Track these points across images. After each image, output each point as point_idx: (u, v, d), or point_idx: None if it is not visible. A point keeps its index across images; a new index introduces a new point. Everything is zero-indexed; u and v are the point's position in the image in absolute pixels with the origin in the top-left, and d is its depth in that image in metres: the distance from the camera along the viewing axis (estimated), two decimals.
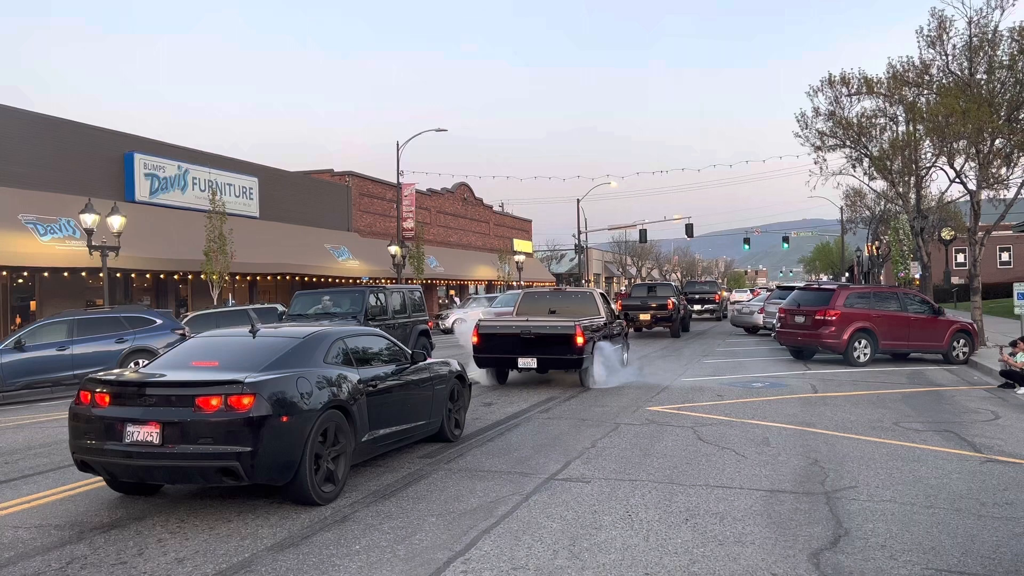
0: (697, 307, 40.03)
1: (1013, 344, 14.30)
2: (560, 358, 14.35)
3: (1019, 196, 22.11)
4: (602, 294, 17.73)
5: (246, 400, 6.47)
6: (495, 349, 14.75)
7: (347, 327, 9.08)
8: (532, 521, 6.39)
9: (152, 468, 6.57)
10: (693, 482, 7.59)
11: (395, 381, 8.54)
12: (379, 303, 19.15)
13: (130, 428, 6.56)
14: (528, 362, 14.43)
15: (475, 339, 14.87)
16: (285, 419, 6.65)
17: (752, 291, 51.51)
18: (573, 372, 14.94)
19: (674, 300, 29.81)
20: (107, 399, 6.81)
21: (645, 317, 29.52)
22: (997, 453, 8.78)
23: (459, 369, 10.21)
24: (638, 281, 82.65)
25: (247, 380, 6.58)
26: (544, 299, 17.34)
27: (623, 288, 77.64)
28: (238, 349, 7.72)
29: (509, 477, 7.91)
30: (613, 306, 19.02)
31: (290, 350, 7.49)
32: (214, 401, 6.47)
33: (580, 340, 14.06)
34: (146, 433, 6.50)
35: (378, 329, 9.86)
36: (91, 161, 26.97)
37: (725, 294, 53.23)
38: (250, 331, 8.09)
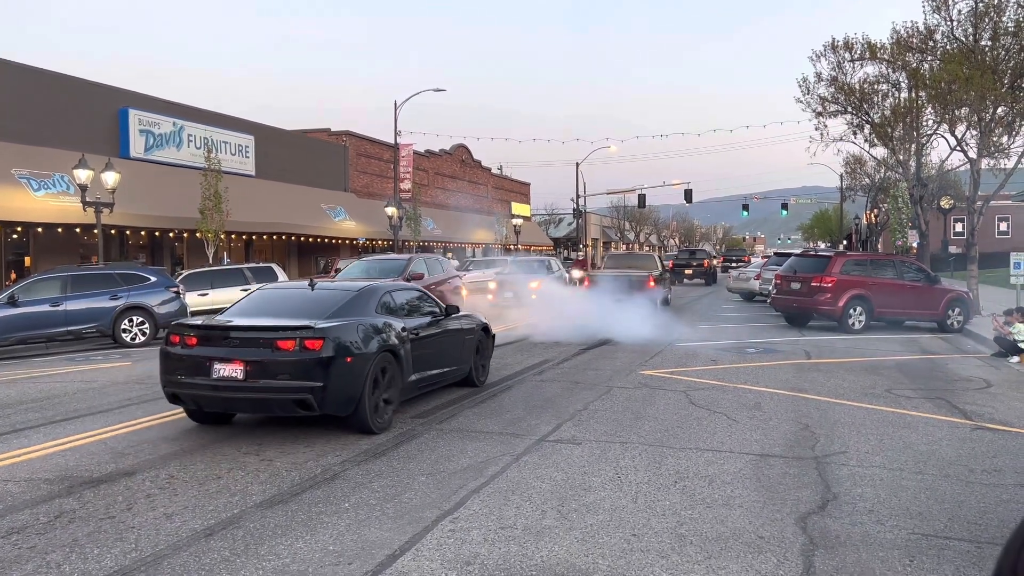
0: (733, 265, 55.89)
1: (1008, 313, 14.30)
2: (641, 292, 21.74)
3: (1019, 165, 21.98)
4: (658, 256, 28.72)
5: (317, 343, 7.47)
6: (604, 289, 21.25)
7: (394, 283, 10.73)
8: (522, 482, 6.40)
9: (236, 400, 7.68)
10: (684, 445, 7.60)
11: (433, 330, 9.59)
12: None
13: (217, 366, 7.53)
14: (621, 296, 20.43)
15: (587, 282, 22.59)
16: (349, 360, 7.66)
17: (763, 256, 58.22)
18: (648, 302, 21.02)
19: (708, 260, 46.06)
20: (195, 341, 7.82)
21: (688, 271, 44.23)
22: (987, 421, 8.80)
23: (485, 322, 11.34)
24: (635, 247, 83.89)
25: (317, 326, 7.60)
26: (621, 258, 28.63)
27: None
28: (302, 299, 8.84)
29: (500, 438, 7.92)
30: (665, 264, 29.59)
31: (348, 301, 8.58)
32: (290, 343, 7.47)
33: (652, 283, 22.20)
34: (231, 370, 7.49)
35: (417, 285, 11.45)
36: (85, 116, 26.65)
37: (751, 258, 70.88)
38: (308, 284, 9.25)
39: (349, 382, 7.64)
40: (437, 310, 10.10)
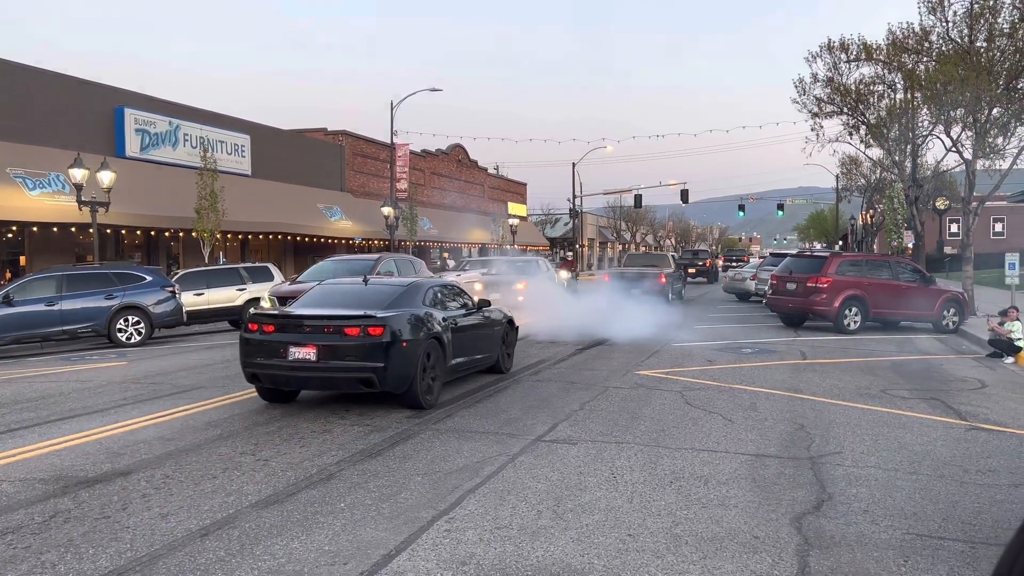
0: (733, 265, 59.82)
1: (1003, 313, 14.34)
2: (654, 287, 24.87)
3: (1014, 166, 22.05)
4: (672, 255, 32.05)
5: (379, 329, 8.56)
6: (619, 284, 25.01)
7: (433, 279, 12.17)
8: (517, 482, 6.40)
9: (309, 378, 8.77)
10: (679, 445, 7.61)
11: (468, 321, 10.66)
12: None
13: (292, 349, 8.64)
14: (636, 291, 23.55)
15: (607, 278, 26.39)
16: (405, 344, 8.77)
17: (759, 256, 61.10)
18: (659, 296, 24.25)
19: (710, 260, 51.86)
20: (273, 328, 8.86)
21: (692, 270, 46.75)
22: (982, 421, 8.83)
23: (510, 315, 12.43)
24: (632, 247, 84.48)
25: (378, 315, 8.72)
26: (639, 258, 32.10)
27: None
28: (360, 293, 9.93)
29: (496, 438, 7.92)
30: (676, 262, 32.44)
31: (400, 294, 9.73)
32: (356, 330, 8.57)
33: (663, 280, 25.56)
34: (305, 353, 8.59)
35: (454, 282, 12.83)
36: (81, 115, 26.60)
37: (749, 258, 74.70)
38: (363, 280, 10.48)
39: (405, 363, 8.75)
40: (470, 303, 11.27)
